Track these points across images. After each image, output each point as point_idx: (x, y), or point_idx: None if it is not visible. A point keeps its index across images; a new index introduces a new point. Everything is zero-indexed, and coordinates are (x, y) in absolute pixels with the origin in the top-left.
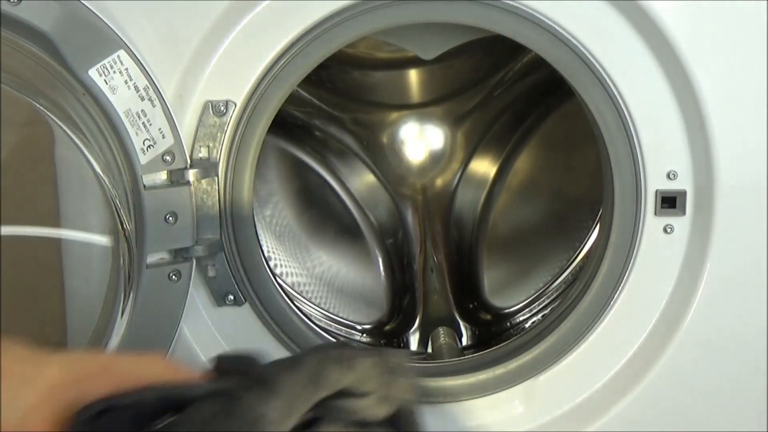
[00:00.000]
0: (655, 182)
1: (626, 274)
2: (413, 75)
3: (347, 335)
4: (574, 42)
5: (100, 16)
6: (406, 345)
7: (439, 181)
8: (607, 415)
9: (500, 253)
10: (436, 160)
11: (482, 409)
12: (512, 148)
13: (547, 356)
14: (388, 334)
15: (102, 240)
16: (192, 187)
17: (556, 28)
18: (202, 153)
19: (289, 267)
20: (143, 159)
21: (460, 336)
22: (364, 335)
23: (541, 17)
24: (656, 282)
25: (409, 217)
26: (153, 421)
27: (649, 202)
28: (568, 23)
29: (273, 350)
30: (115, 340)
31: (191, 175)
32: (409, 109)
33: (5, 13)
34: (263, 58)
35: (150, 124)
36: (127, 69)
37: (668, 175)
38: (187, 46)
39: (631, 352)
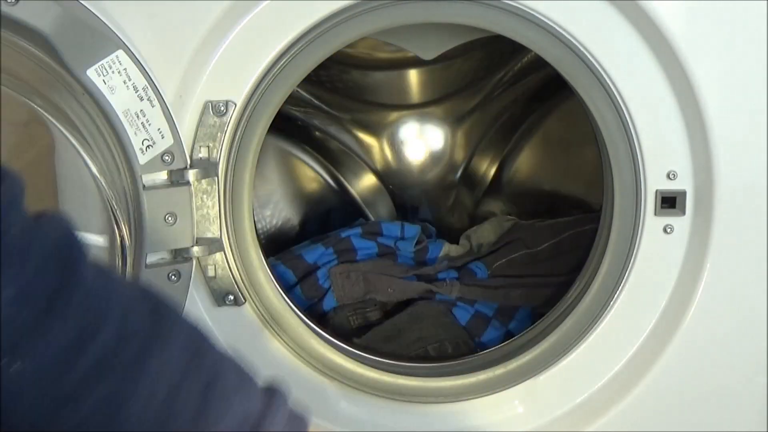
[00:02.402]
0: (655, 182)
1: (626, 274)
2: (413, 75)
3: None
4: (574, 42)
5: (99, 16)
6: None
7: (439, 181)
8: (607, 415)
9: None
10: (436, 160)
11: (482, 409)
12: (512, 148)
13: (547, 356)
14: None
15: (99, 240)
16: (192, 187)
17: (556, 28)
18: (202, 153)
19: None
20: (142, 159)
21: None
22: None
23: (541, 17)
24: (656, 282)
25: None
26: None
27: (649, 202)
28: (568, 23)
29: (273, 350)
30: None
31: (191, 175)
32: (409, 109)
33: (3, 14)
34: (263, 58)
35: (149, 124)
36: (125, 69)
37: (668, 175)
38: (187, 46)
39: (631, 352)
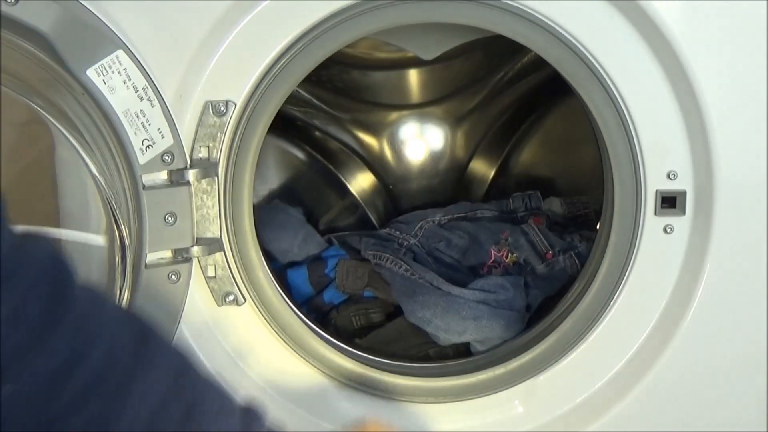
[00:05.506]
0: (655, 182)
1: (626, 274)
2: (413, 75)
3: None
4: (574, 42)
5: (99, 15)
6: None
7: (439, 181)
8: (607, 415)
9: None
10: (436, 160)
11: (482, 409)
12: (512, 148)
13: (547, 356)
14: None
15: (99, 240)
16: (192, 187)
17: (556, 28)
18: (202, 153)
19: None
20: (142, 159)
21: None
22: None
23: (541, 17)
24: (656, 282)
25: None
26: None
27: (649, 202)
28: (568, 23)
29: (273, 350)
30: None
31: (191, 175)
32: (409, 109)
33: (3, 14)
34: (263, 58)
35: (149, 124)
36: (125, 69)
37: (668, 175)
38: (187, 46)
39: (631, 352)
